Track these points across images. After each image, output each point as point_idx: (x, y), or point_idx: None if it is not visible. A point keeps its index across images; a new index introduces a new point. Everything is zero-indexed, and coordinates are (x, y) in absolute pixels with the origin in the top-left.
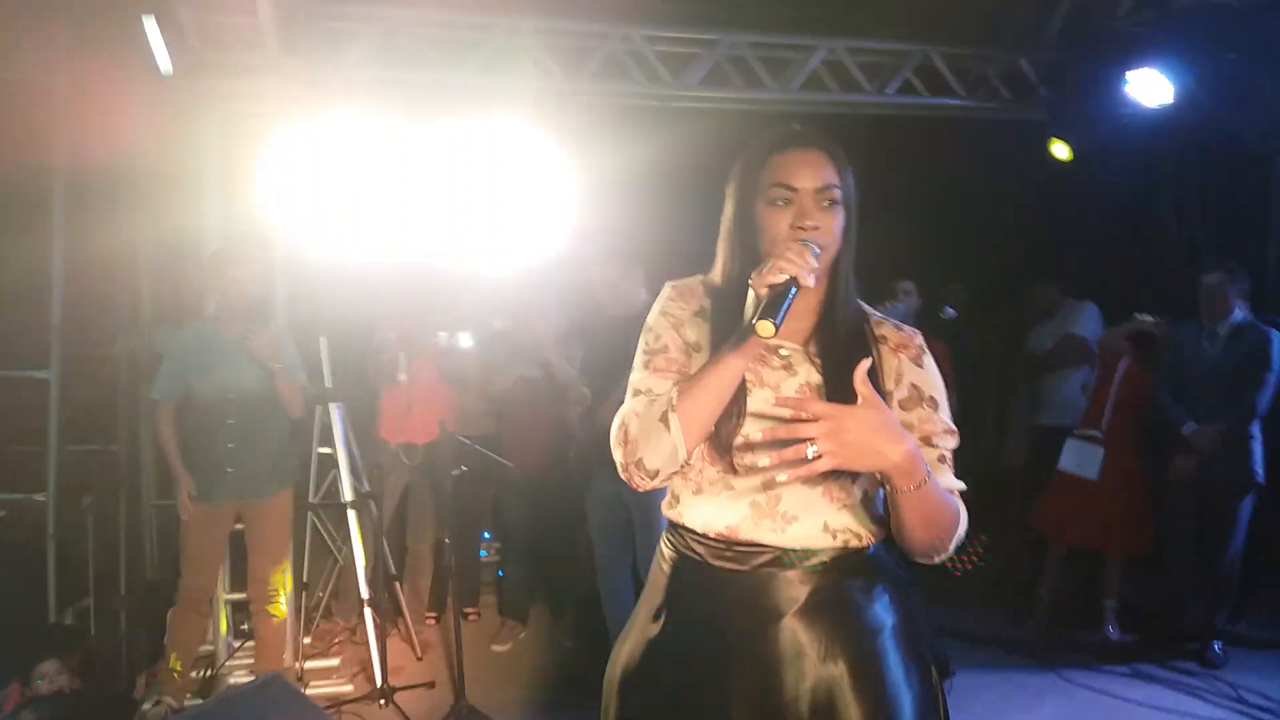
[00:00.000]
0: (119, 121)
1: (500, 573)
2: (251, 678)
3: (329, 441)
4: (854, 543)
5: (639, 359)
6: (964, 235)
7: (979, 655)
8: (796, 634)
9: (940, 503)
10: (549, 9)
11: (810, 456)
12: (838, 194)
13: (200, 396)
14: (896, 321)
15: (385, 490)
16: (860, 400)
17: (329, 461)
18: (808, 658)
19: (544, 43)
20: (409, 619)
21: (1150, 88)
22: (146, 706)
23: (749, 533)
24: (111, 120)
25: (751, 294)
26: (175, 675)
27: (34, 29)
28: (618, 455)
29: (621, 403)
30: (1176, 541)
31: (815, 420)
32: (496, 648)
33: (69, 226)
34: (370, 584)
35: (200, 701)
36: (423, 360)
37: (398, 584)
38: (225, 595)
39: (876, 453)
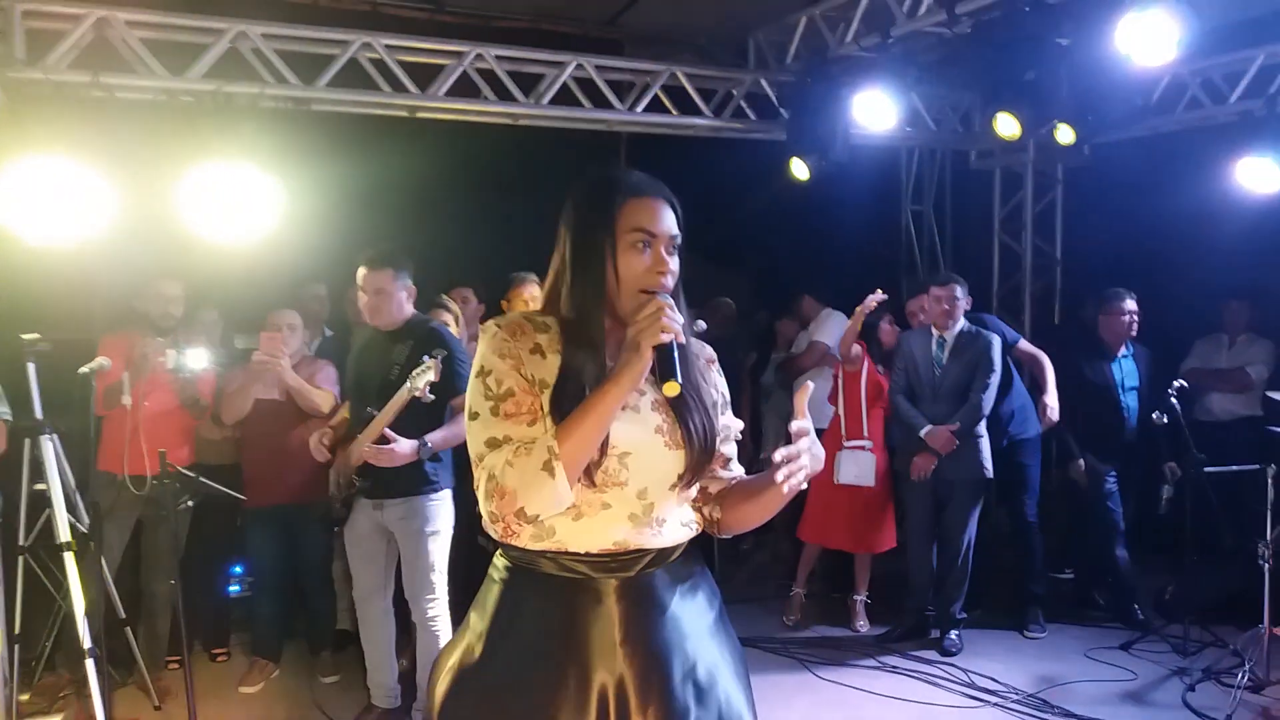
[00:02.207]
0: None
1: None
2: None
3: (42, 477)
4: (694, 533)
5: (483, 406)
6: (727, 250)
7: None
8: (679, 621)
9: None
10: (280, 15)
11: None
12: (680, 242)
13: None
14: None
15: (113, 526)
16: (799, 421)
17: (44, 499)
18: (690, 640)
19: (275, 48)
20: (143, 665)
21: (876, 110)
22: None
23: (636, 542)
24: None
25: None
26: None
27: None
28: (489, 507)
29: (387, 423)
30: (916, 537)
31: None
32: (245, 689)
33: None
34: (94, 630)
35: None
36: (150, 382)
37: (129, 629)
38: None
39: (820, 460)
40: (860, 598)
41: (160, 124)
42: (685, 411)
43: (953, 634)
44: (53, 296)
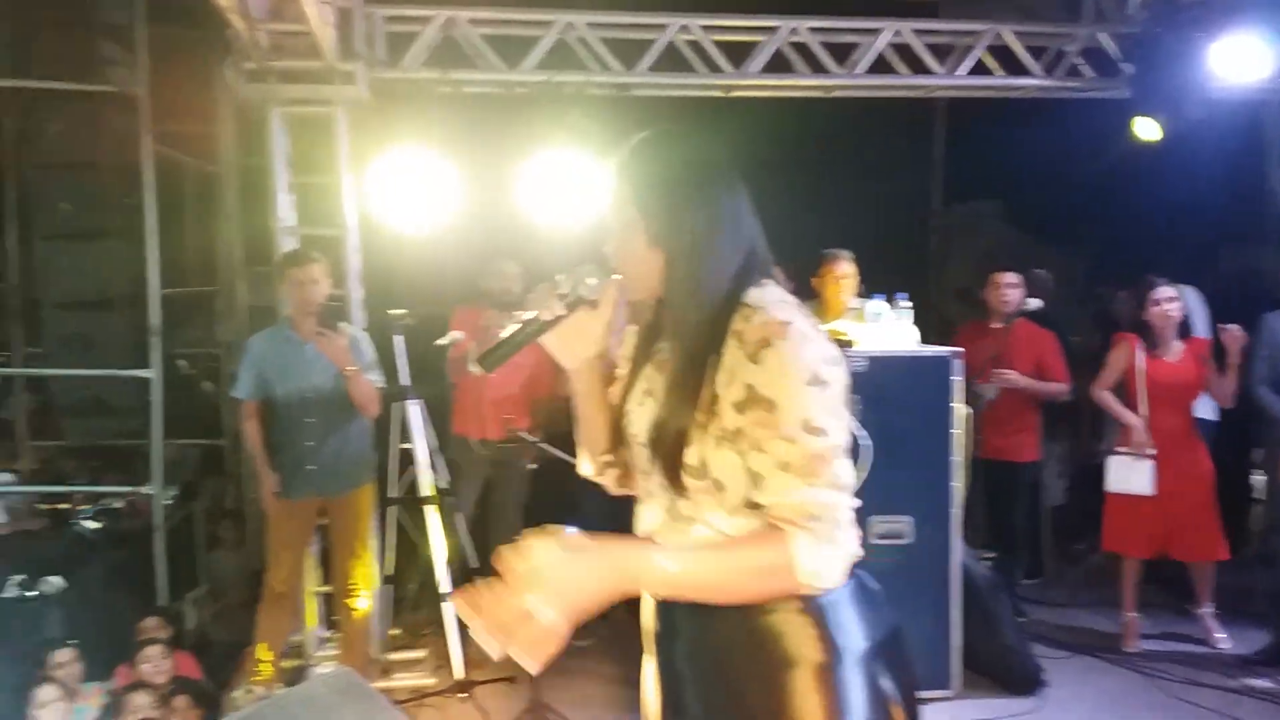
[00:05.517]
0: (197, 128)
1: None
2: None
3: (409, 438)
4: None
5: None
6: (1059, 222)
7: (1073, 665)
8: (698, 640)
9: (715, 570)
10: (603, 3)
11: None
12: (617, 213)
13: (279, 396)
14: (769, 309)
15: (466, 484)
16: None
17: (410, 457)
18: (705, 666)
19: (600, 36)
20: None
21: (1246, 58)
22: (237, 694)
23: (664, 537)
24: (191, 127)
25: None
26: (263, 665)
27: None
28: None
29: None
30: None
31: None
32: (577, 643)
33: (161, 231)
34: (451, 577)
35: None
36: None
37: (479, 578)
38: (314, 588)
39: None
40: (1206, 610)
41: (498, 114)
42: (674, 388)
43: None
44: (413, 276)
